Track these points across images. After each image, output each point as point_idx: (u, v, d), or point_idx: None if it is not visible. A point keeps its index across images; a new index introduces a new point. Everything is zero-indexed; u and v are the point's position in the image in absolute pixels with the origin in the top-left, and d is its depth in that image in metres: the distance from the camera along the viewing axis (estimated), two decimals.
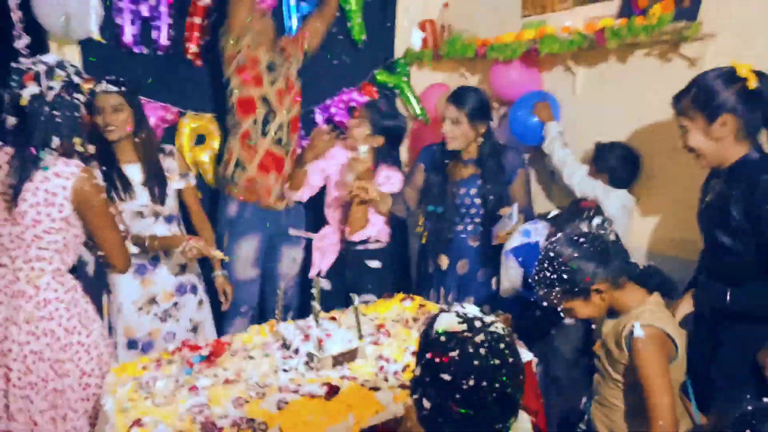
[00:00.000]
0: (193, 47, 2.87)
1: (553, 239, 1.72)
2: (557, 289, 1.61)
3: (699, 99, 1.74)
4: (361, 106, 2.86)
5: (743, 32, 2.15)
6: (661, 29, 2.26)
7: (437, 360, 1.06)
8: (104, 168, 2.29)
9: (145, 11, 2.75)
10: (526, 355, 1.92)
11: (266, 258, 2.85)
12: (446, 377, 1.04)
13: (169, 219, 2.45)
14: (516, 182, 2.56)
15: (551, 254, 1.64)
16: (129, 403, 1.66)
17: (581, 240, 1.63)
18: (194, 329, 2.53)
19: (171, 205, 2.46)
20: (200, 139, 3.00)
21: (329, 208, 2.87)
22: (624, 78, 2.59)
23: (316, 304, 1.90)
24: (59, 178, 1.75)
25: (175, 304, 2.47)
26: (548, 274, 1.62)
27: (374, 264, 2.80)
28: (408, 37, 3.42)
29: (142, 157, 2.37)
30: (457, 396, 1.04)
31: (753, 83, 1.68)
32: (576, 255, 1.60)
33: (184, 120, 2.93)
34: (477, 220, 2.59)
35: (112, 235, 1.88)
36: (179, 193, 2.50)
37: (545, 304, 1.68)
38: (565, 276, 1.59)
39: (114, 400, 1.69)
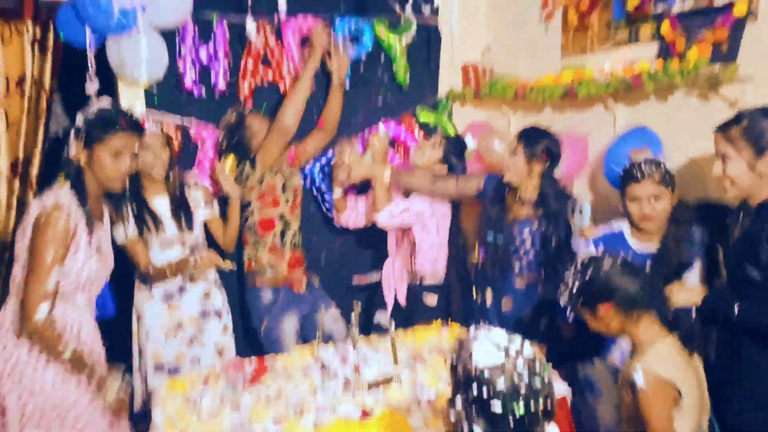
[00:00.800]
0: (245, 88, 3.07)
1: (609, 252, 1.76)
2: (569, 289, 1.67)
3: (751, 131, 1.78)
4: (440, 134, 3.00)
5: None
6: (697, 72, 2.30)
7: (485, 395, 1.13)
8: (134, 204, 2.45)
9: (204, 58, 2.98)
10: (560, 389, 1.94)
11: (309, 329, 2.91)
12: (497, 409, 1.13)
13: (193, 249, 2.61)
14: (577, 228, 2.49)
15: (587, 259, 1.69)
16: (177, 417, 1.77)
17: (620, 261, 1.67)
18: (219, 353, 2.65)
19: (197, 234, 2.63)
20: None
21: (391, 240, 2.99)
22: (664, 118, 2.62)
23: (354, 330, 1.98)
24: (35, 206, 1.85)
25: (200, 329, 2.61)
26: (573, 272, 1.67)
27: (430, 300, 2.86)
28: (451, 78, 3.55)
29: (170, 190, 2.57)
30: (510, 422, 1.12)
31: None
32: (604, 268, 1.64)
33: None
34: (525, 262, 2.57)
35: (30, 280, 1.77)
36: (204, 223, 2.69)
37: (561, 303, 1.72)
38: (578, 281, 1.65)
39: (164, 413, 1.80)
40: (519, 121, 3.38)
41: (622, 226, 2.31)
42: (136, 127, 1.98)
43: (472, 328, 1.26)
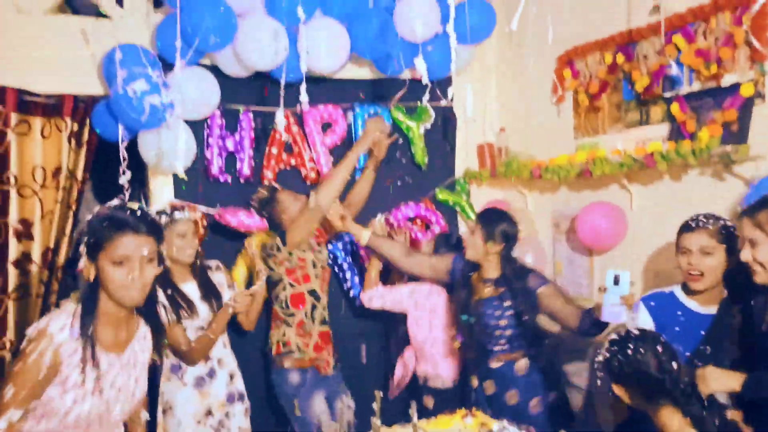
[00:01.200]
0: (269, 174, 3.19)
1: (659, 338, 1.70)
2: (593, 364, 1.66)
3: None
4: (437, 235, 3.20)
5: None
6: (709, 153, 2.34)
7: None
8: (167, 291, 2.50)
9: (231, 146, 3.12)
10: None
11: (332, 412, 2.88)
12: None
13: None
14: (545, 300, 2.51)
15: (617, 336, 1.68)
16: None
17: (650, 343, 1.65)
18: None
19: None
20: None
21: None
22: (680, 195, 2.64)
23: (376, 421, 1.96)
24: (31, 329, 1.57)
25: (227, 413, 2.62)
26: (603, 346, 1.65)
27: (428, 402, 2.83)
28: (468, 159, 3.64)
29: (197, 275, 2.64)
30: None
31: None
32: (629, 347, 1.63)
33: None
34: (496, 341, 2.56)
35: None
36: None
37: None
38: (601, 357, 1.66)
39: None
40: (536, 200, 3.43)
41: (675, 287, 2.21)
42: (148, 227, 1.57)
43: (496, 426, 1.25)
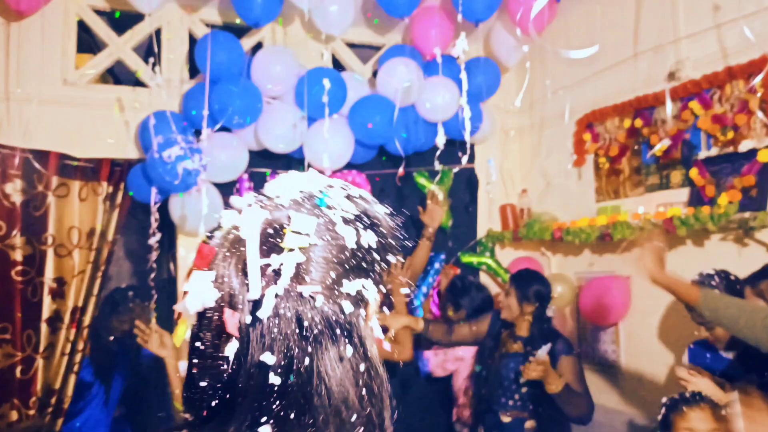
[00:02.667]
0: None
1: None
2: None
3: None
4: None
5: None
6: (728, 219, 2.33)
7: None
8: None
9: None
10: None
11: None
12: None
13: None
14: (562, 369, 2.46)
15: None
16: None
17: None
18: None
19: None
20: None
21: None
22: (702, 260, 2.60)
23: None
24: None
25: None
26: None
27: None
28: (489, 220, 3.67)
29: None
30: None
31: None
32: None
33: None
34: (516, 396, 2.59)
35: None
36: None
37: None
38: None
39: None
40: (560, 262, 3.42)
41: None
42: None
43: None
